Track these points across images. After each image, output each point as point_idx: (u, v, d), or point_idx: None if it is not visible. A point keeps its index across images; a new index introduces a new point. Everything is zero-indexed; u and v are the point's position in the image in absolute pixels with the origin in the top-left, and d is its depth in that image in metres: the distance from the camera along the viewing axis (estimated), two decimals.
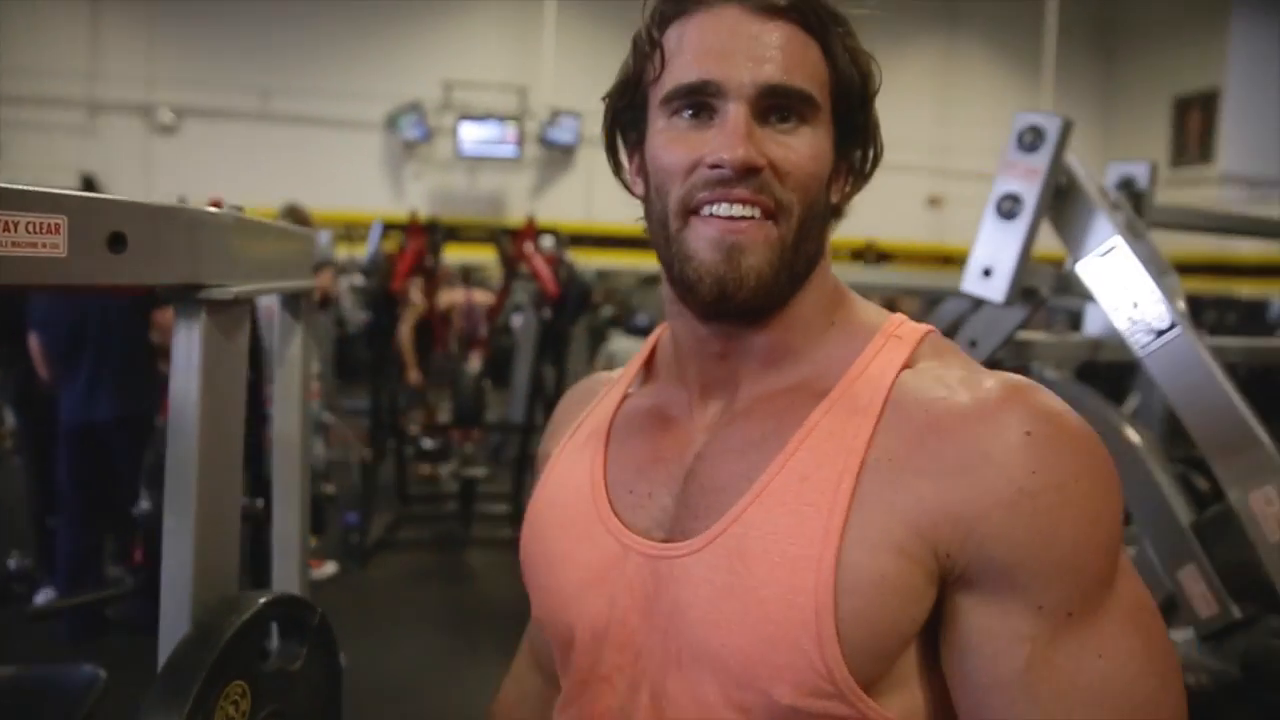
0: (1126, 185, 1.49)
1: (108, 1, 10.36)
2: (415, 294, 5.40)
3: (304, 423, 1.15)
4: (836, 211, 0.73)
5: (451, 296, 7.51)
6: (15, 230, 0.62)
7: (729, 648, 0.64)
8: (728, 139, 0.64)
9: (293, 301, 1.12)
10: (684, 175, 0.67)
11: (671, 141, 0.68)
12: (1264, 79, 11.50)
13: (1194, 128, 12.05)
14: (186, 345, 0.80)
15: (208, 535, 0.82)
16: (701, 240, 0.66)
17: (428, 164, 11.31)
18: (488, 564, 5.06)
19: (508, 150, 11.10)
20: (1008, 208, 1.28)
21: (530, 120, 11.15)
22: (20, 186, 0.63)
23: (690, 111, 0.67)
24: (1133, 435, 1.27)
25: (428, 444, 5.31)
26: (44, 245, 0.64)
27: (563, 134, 11.13)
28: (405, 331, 5.55)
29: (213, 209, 0.81)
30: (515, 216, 11.06)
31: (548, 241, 5.55)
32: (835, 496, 0.63)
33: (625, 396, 0.82)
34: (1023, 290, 1.33)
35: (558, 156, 11.42)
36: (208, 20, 10.59)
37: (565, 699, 0.77)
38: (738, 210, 0.65)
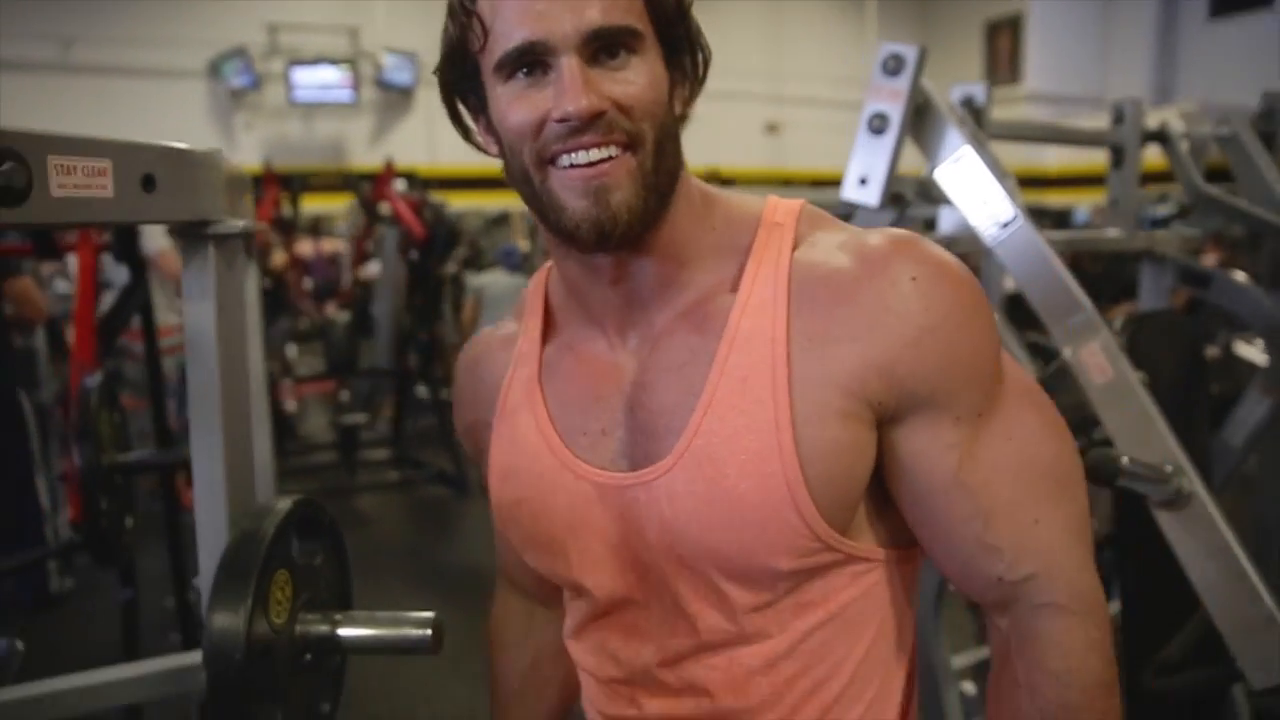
0: (968, 103, 1.71)
1: None
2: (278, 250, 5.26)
3: (260, 351, 1.22)
4: (680, 119, 0.76)
5: (301, 248, 7.30)
6: (74, 173, 0.70)
7: (725, 541, 0.72)
8: (567, 92, 0.66)
9: (248, 239, 1.19)
10: (534, 132, 0.69)
11: (514, 103, 0.69)
12: (1063, 2, 12.43)
13: (1003, 50, 12.88)
14: (199, 279, 0.88)
15: (234, 451, 0.92)
16: (567, 190, 0.70)
17: (259, 113, 10.75)
18: (377, 508, 5.11)
19: (343, 95, 10.68)
20: (877, 125, 1.48)
21: (364, 62, 10.75)
22: (70, 135, 0.71)
23: (525, 70, 0.69)
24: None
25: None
26: (96, 186, 0.72)
27: (399, 75, 10.79)
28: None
29: (209, 149, 0.89)
30: (356, 163, 10.71)
31: (399, 185, 5.49)
32: (774, 387, 0.70)
33: (541, 348, 0.85)
34: (891, 196, 1.54)
35: (395, 99, 11.08)
36: None
37: (581, 625, 0.85)
38: (595, 155, 0.68)
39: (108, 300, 2.92)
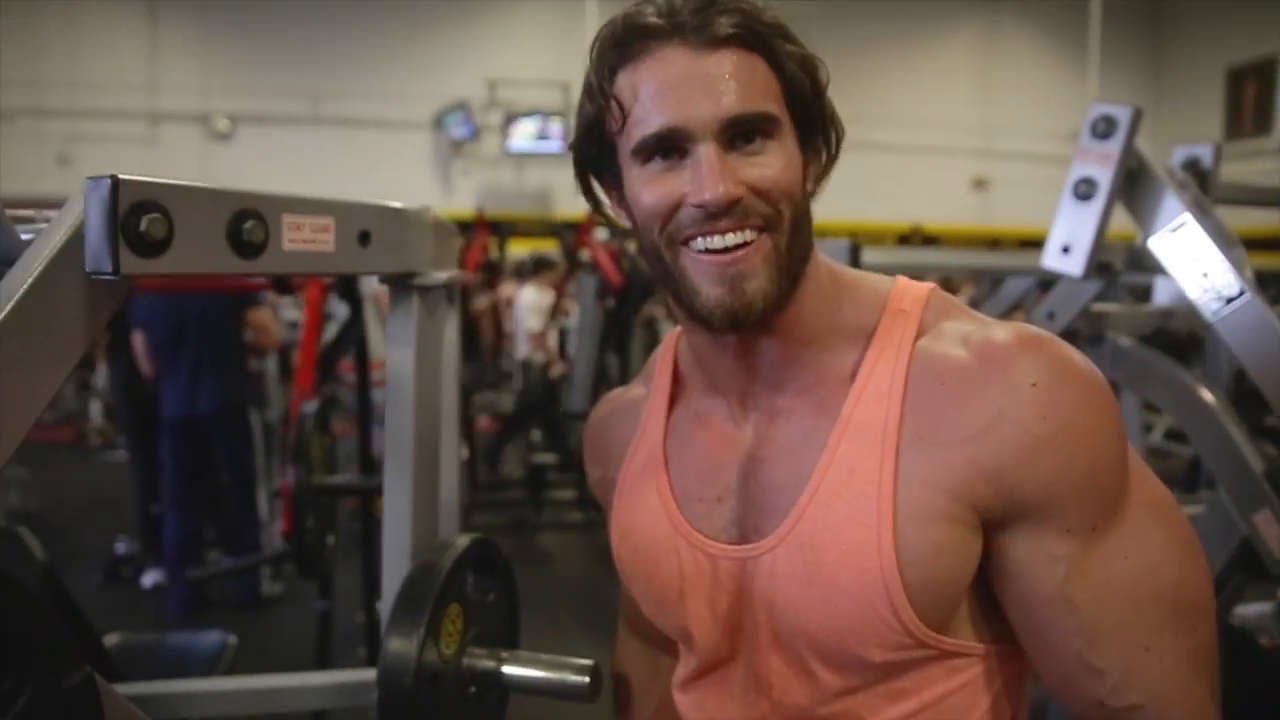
0: (1192, 165, 1.59)
1: (165, 17, 10.70)
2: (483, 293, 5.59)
3: (455, 395, 1.30)
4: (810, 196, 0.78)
5: (506, 291, 7.70)
6: (304, 230, 0.78)
7: (818, 626, 0.72)
8: (705, 179, 0.68)
9: (450, 289, 1.27)
10: (668, 215, 0.70)
11: (649, 184, 0.71)
12: None
13: (1249, 98, 11.81)
14: (403, 325, 0.96)
15: (422, 487, 0.98)
16: (701, 275, 0.71)
17: (475, 161, 11.52)
18: (559, 546, 5.25)
19: (553, 146, 11.28)
20: (1084, 190, 1.40)
21: (574, 115, 11.28)
22: (301, 196, 0.79)
23: (661, 154, 0.70)
24: (1205, 394, 1.38)
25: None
26: (320, 241, 0.80)
27: None
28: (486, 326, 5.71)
29: (418, 208, 0.97)
30: (562, 211, 11.24)
31: (602, 234, 5.70)
32: (880, 481, 0.70)
33: (669, 412, 0.87)
34: (1098, 265, 1.45)
35: None
36: (259, 30, 10.89)
37: (688, 679, 0.87)
38: (730, 239, 0.69)
39: (330, 332, 3.20)
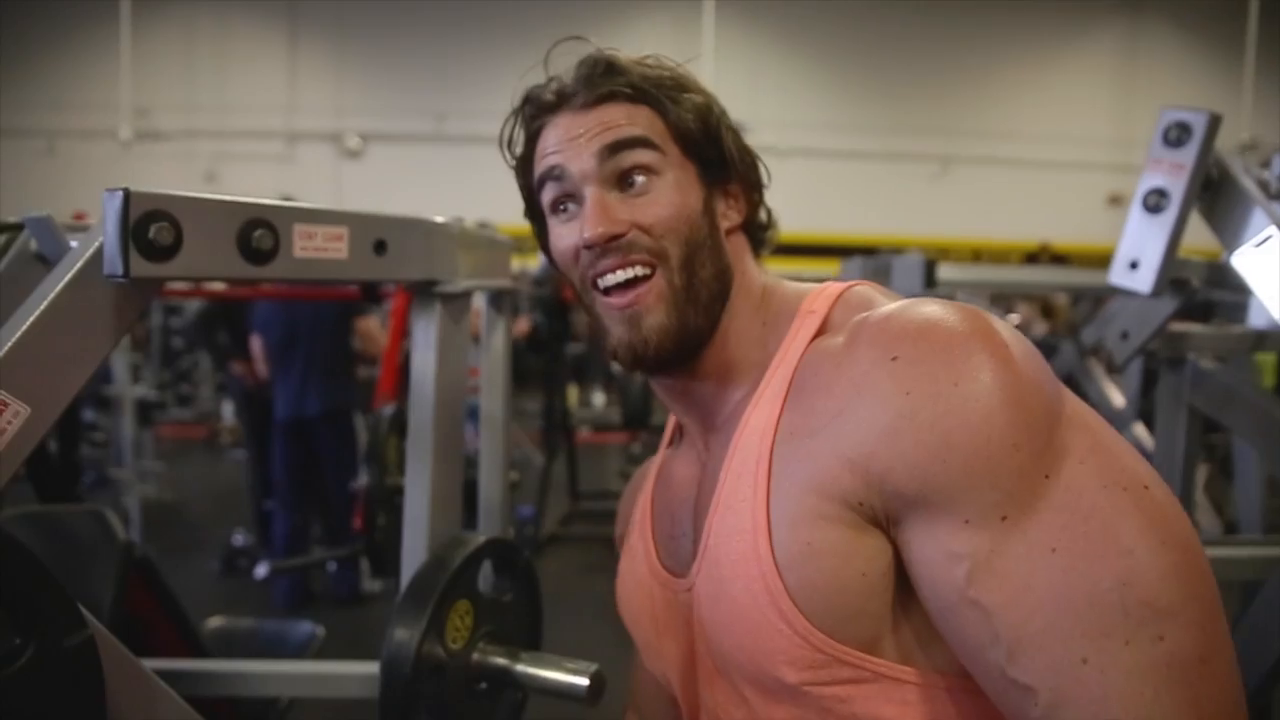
0: None
1: (303, 40, 11.36)
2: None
3: (506, 402, 1.34)
4: (749, 229, 0.81)
5: None
6: (315, 238, 0.83)
7: (732, 646, 0.70)
8: (586, 218, 0.73)
9: (497, 298, 1.31)
10: (574, 258, 0.76)
11: (557, 233, 0.78)
12: None
13: None
14: (425, 330, 1.00)
15: (440, 485, 1.02)
16: (609, 317, 0.75)
17: None
18: None
19: None
20: (1154, 202, 1.33)
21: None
22: (314, 206, 0.84)
23: (563, 207, 0.77)
24: None
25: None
26: (333, 249, 0.85)
27: None
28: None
29: (441, 219, 1.01)
30: None
31: None
32: (755, 485, 0.68)
33: (663, 460, 0.90)
34: (1173, 282, 1.37)
35: None
36: (389, 52, 11.44)
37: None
38: (621, 275, 0.73)
39: None
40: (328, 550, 4.00)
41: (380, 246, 0.89)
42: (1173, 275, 1.36)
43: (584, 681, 0.94)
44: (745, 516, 0.68)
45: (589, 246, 0.73)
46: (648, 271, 0.73)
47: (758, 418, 0.70)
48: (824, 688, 0.65)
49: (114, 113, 10.77)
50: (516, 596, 1.06)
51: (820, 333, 0.72)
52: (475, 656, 0.97)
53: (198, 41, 10.96)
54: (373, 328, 4.00)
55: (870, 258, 2.08)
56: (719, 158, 0.77)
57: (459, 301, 1.03)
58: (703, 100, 0.78)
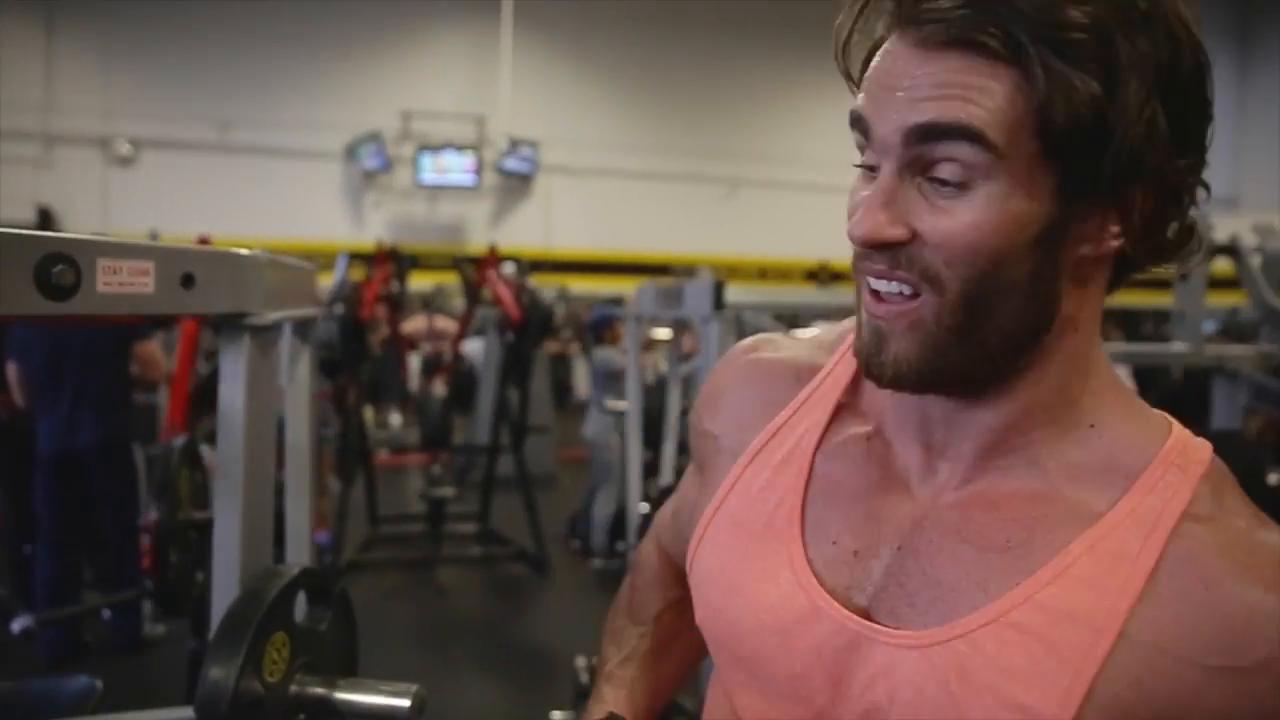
0: None
1: (62, 34, 10.42)
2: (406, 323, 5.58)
3: (313, 429, 1.34)
4: (1113, 272, 0.61)
5: (415, 324, 7.67)
6: (120, 273, 0.82)
7: None
8: (862, 208, 0.58)
9: (302, 327, 1.31)
10: (850, 236, 0.60)
11: (852, 191, 0.61)
12: None
13: None
14: (234, 363, 0.99)
15: (251, 519, 1.01)
16: (864, 313, 0.62)
17: (388, 193, 11.47)
18: (458, 581, 5.22)
19: (467, 179, 11.32)
20: None
21: (488, 149, 11.38)
22: (119, 240, 0.83)
23: (866, 168, 0.60)
24: None
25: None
26: (139, 284, 0.84)
27: (520, 164, 11.37)
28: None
29: (248, 251, 1.01)
30: (475, 244, 11.24)
31: (509, 268, 5.75)
32: (1085, 658, 0.55)
33: (835, 412, 0.72)
34: None
35: (515, 184, 11.65)
36: (164, 52, 10.70)
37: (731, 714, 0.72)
38: (879, 285, 0.59)
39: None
40: (105, 595, 3.69)
41: (188, 280, 0.89)
42: None
43: (405, 703, 0.96)
44: (1053, 680, 0.55)
45: (857, 242, 0.59)
46: (909, 292, 0.58)
47: (1098, 570, 0.57)
48: None
49: None
50: (332, 625, 1.07)
51: (1186, 510, 0.57)
52: (293, 689, 0.97)
53: None
54: (154, 352, 3.74)
55: (663, 280, 2.20)
56: (1114, 161, 0.54)
57: (268, 333, 1.03)
58: (1132, 66, 0.53)
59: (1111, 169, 0.54)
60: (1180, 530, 0.56)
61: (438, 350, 7.70)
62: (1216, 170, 12.16)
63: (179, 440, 1.94)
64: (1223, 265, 2.06)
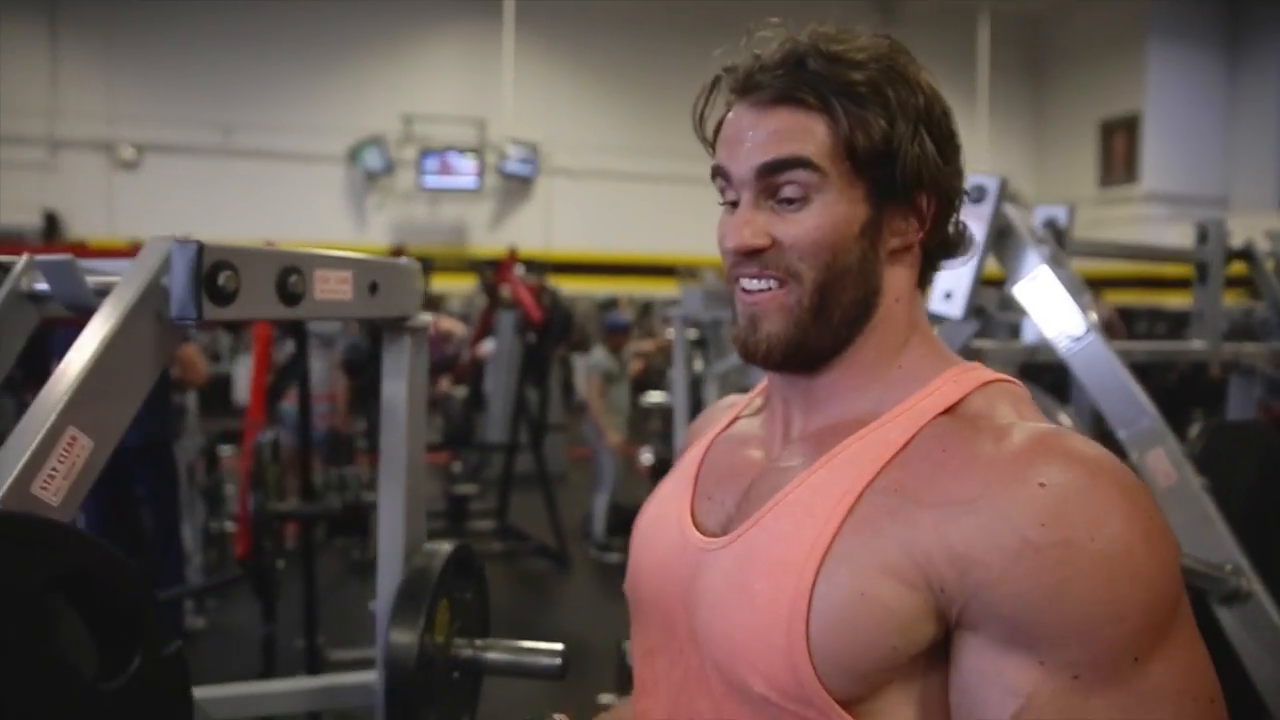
0: (1050, 224, 1.87)
1: (65, 39, 10.47)
2: None
3: (420, 423, 1.45)
4: (930, 244, 0.76)
5: (440, 325, 7.78)
6: (330, 282, 0.95)
7: (721, 635, 0.71)
8: (731, 226, 0.74)
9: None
10: (724, 252, 0.76)
11: (720, 224, 0.77)
12: (1179, 103, 12.35)
13: (1119, 149, 12.79)
14: (397, 360, 1.13)
15: (412, 499, 1.14)
16: (738, 309, 0.76)
17: (390, 195, 11.56)
18: None
19: (468, 182, 11.41)
20: None
21: (489, 152, 11.48)
22: (328, 253, 0.96)
23: (730, 203, 0.76)
24: (1064, 417, 1.65)
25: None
26: (342, 291, 0.97)
27: (521, 165, 11.48)
28: None
29: (409, 262, 1.14)
30: (476, 245, 11.35)
31: (519, 270, 5.87)
32: (832, 512, 0.67)
33: (735, 419, 0.89)
34: (975, 308, 1.70)
35: (516, 187, 11.75)
36: (167, 57, 10.75)
37: (635, 663, 0.86)
38: (751, 284, 0.74)
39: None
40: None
41: (374, 287, 1.02)
42: (975, 304, 1.69)
43: (557, 661, 1.10)
44: (806, 532, 0.67)
45: (727, 251, 0.75)
46: (775, 286, 0.73)
47: (860, 452, 0.70)
48: (783, 712, 0.67)
49: None
50: (474, 594, 1.20)
51: (951, 409, 0.71)
52: (452, 650, 1.10)
53: None
54: (194, 355, 3.85)
55: (690, 281, 2.33)
56: (902, 174, 0.72)
57: (422, 333, 1.16)
58: (901, 109, 0.72)
59: (902, 179, 0.72)
60: (938, 420, 0.70)
61: (444, 351, 7.82)
62: (1208, 170, 12.65)
63: (266, 435, 2.06)
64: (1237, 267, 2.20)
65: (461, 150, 11.34)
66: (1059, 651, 0.59)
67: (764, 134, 0.72)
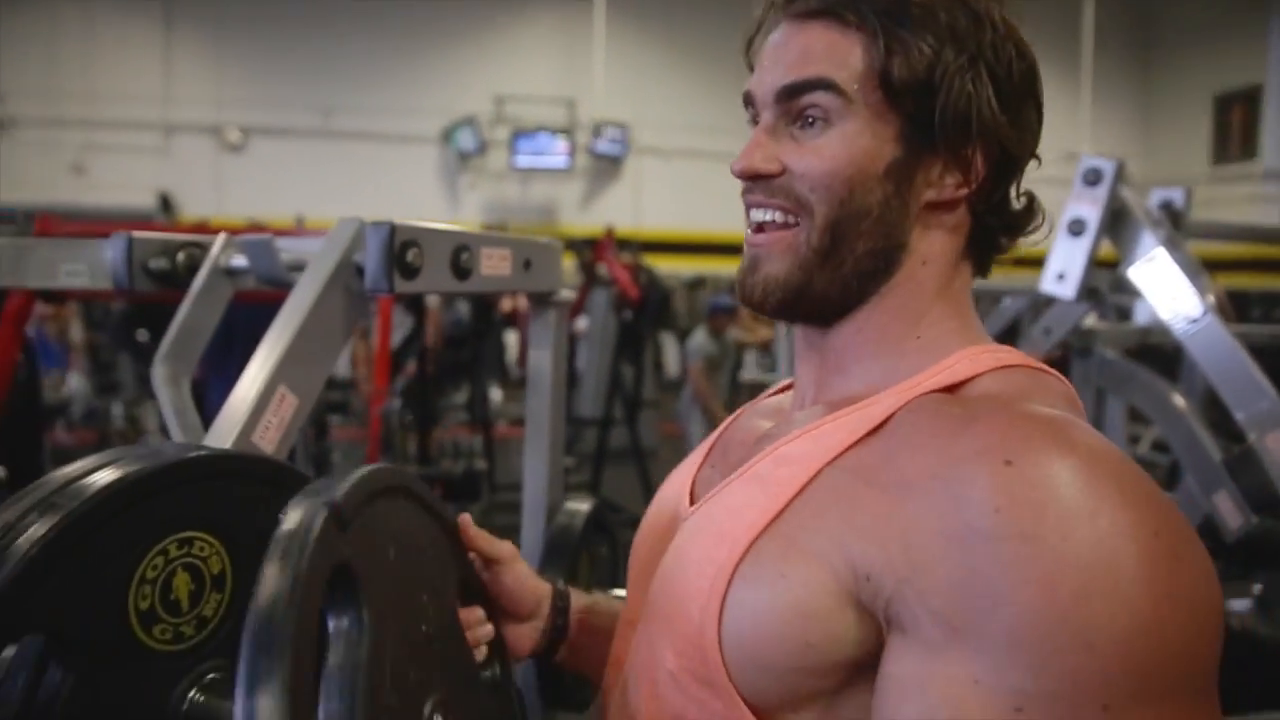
0: (1166, 206, 1.87)
1: (179, 27, 10.96)
2: (505, 300, 5.86)
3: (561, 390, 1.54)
4: (981, 213, 0.67)
5: (516, 301, 7.97)
6: (493, 259, 1.04)
7: (657, 605, 0.66)
8: (743, 151, 0.67)
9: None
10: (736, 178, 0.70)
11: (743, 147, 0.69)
12: None
13: (1236, 124, 12.16)
14: (543, 332, 1.22)
15: (555, 463, 1.24)
16: (746, 249, 0.69)
17: (482, 175, 11.78)
18: None
19: (559, 162, 11.56)
20: (1075, 228, 1.68)
21: (580, 132, 11.61)
22: (491, 233, 1.05)
23: (753, 121, 0.70)
24: (1176, 398, 1.66)
25: None
26: (502, 268, 1.06)
27: (611, 145, 11.58)
28: None
29: (554, 241, 1.23)
30: (566, 225, 11.50)
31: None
32: (784, 487, 0.60)
33: (774, 394, 0.84)
34: (1087, 290, 1.72)
35: (606, 166, 11.86)
36: (272, 43, 11.15)
37: (616, 634, 0.81)
38: (757, 215, 0.67)
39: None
40: None
41: (528, 264, 1.11)
42: (1089, 284, 1.71)
43: None
44: (755, 505, 0.61)
45: (737, 174, 0.69)
46: (788, 220, 0.66)
47: (835, 429, 0.62)
48: (687, 691, 0.61)
49: None
50: (608, 549, 1.29)
51: (954, 388, 0.62)
52: None
53: (63, 23, 10.40)
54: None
55: None
56: (943, 115, 0.62)
57: (565, 307, 1.25)
58: (954, 38, 0.63)
59: (943, 121, 0.63)
60: (928, 395, 0.61)
61: None
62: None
63: (394, 404, 2.20)
64: None
65: (552, 131, 11.49)
66: (1000, 673, 0.46)
67: (793, 53, 0.65)
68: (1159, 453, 6.12)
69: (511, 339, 8.87)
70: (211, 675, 0.58)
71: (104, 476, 0.58)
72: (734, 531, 0.60)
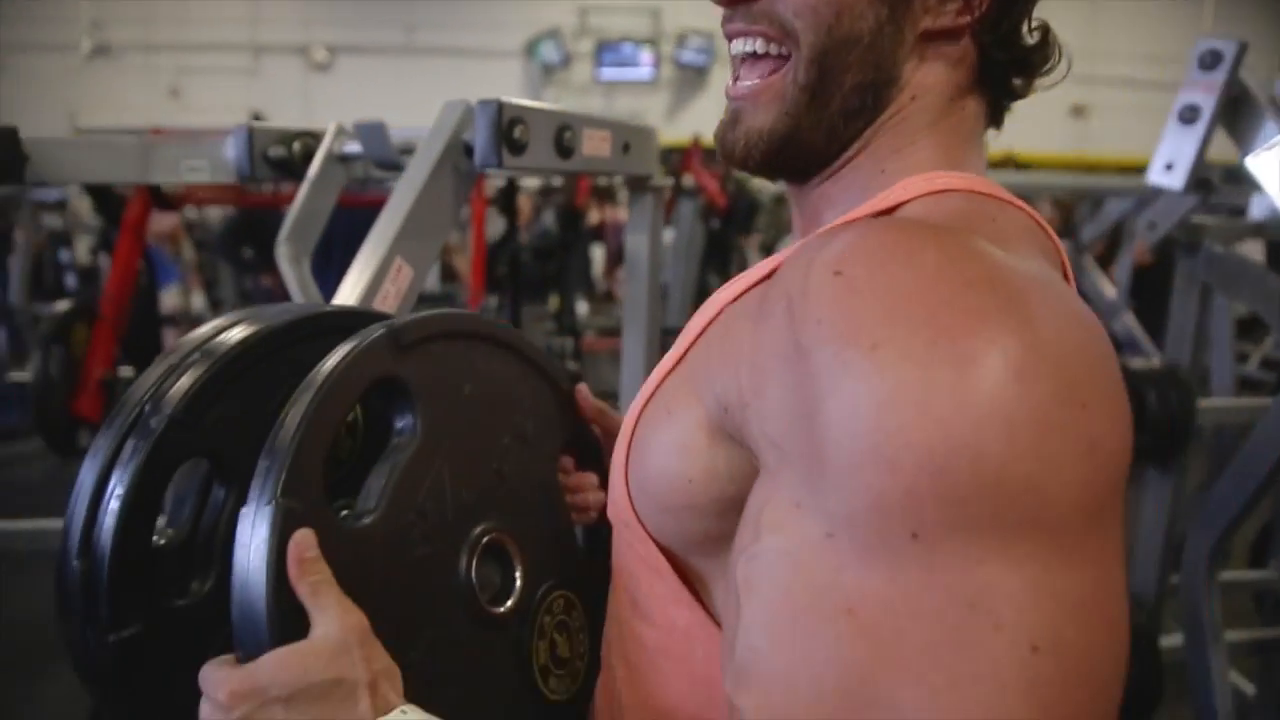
0: None
1: None
2: (593, 212, 5.89)
3: (657, 275, 1.56)
4: (986, 45, 0.59)
5: (600, 214, 7.99)
6: (594, 139, 1.07)
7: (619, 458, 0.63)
8: None
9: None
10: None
11: None
12: None
13: None
14: (641, 216, 1.25)
15: (651, 345, 1.28)
16: (727, 105, 0.62)
17: (566, 89, 11.70)
18: None
19: (643, 73, 11.40)
20: (1188, 115, 1.60)
21: (664, 42, 11.39)
22: (592, 115, 1.08)
23: None
24: None
25: None
26: (602, 149, 1.09)
27: (696, 55, 11.34)
28: None
29: (651, 127, 1.24)
30: None
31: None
32: (690, 334, 0.58)
33: None
34: (1197, 181, 1.66)
35: (691, 77, 11.63)
36: None
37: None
38: (740, 46, 0.60)
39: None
40: None
41: (626, 148, 1.13)
42: (1199, 176, 1.64)
43: None
44: (671, 356, 0.60)
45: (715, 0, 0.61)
46: (771, 49, 0.59)
47: (754, 271, 0.57)
48: (622, 536, 0.61)
49: (67, 26, 10.43)
50: None
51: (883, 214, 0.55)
52: None
53: None
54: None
55: None
56: None
57: (660, 193, 1.27)
58: None
59: None
60: (841, 224, 0.54)
61: (621, 240, 8.02)
62: None
63: (490, 302, 2.27)
64: None
65: (636, 41, 11.29)
66: (815, 495, 0.42)
67: None
68: (1267, 370, 5.84)
69: (598, 253, 8.92)
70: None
71: (240, 331, 0.64)
72: (651, 381, 0.60)
